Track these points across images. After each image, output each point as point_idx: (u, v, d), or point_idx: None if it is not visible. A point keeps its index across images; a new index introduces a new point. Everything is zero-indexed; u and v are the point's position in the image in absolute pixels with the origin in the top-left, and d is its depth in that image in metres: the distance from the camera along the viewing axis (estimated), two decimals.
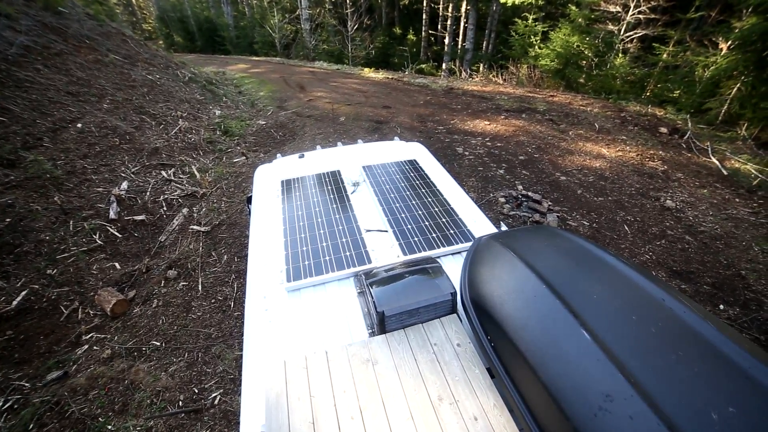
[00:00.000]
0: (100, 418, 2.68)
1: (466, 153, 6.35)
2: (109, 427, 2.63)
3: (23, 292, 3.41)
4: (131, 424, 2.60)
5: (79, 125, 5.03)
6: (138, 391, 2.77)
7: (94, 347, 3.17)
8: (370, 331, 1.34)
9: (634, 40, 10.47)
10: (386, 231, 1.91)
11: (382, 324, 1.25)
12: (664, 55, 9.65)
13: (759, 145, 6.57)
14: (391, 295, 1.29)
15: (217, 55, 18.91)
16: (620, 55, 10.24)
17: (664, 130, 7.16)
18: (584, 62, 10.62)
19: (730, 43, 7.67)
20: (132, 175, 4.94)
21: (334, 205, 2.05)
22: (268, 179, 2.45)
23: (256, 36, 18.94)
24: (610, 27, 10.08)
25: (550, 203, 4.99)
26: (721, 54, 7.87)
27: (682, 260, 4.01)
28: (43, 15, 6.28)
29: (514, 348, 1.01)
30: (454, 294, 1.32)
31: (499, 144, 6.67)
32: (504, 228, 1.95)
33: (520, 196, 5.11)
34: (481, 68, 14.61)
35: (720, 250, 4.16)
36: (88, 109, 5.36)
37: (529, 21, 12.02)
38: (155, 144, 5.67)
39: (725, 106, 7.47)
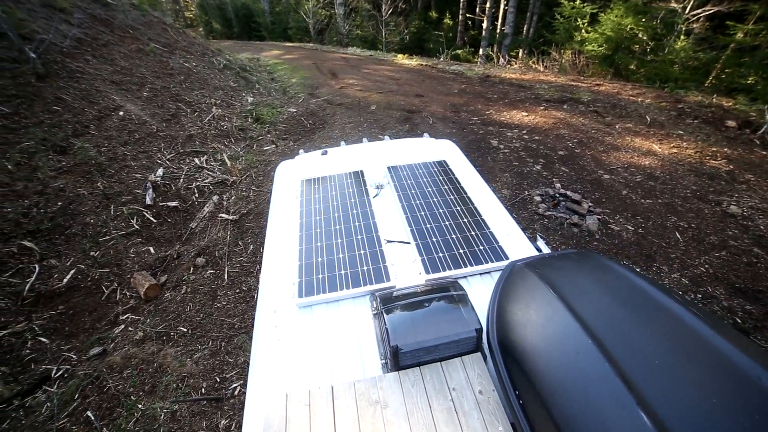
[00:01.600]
0: (132, 397, 2.83)
1: (501, 146, 6.00)
2: (140, 406, 2.77)
3: (72, 271, 3.66)
4: (158, 405, 2.72)
5: (121, 113, 5.26)
6: (165, 375, 2.90)
7: (129, 328, 3.34)
8: (383, 361, 1.23)
9: (701, 19, 9.26)
10: (408, 243, 1.77)
11: (395, 359, 1.13)
12: (740, 35, 8.42)
13: None
14: (407, 326, 1.16)
15: (252, 42, 19.21)
16: (682, 37, 9.13)
17: (731, 123, 6.35)
18: (637, 47, 9.60)
19: None
20: (167, 162, 5.12)
21: (354, 211, 1.94)
22: (288, 178, 2.38)
23: (290, 22, 18.97)
24: (673, 4, 8.98)
25: (590, 204, 4.60)
26: None
27: (748, 276, 3.55)
28: (93, 7, 6.57)
29: (547, 410, 0.84)
30: (479, 330, 1.17)
31: (537, 137, 6.23)
32: (541, 243, 1.74)
33: (557, 195, 4.76)
34: (520, 54, 13.75)
35: None
36: (129, 98, 5.59)
37: (577, 2, 11.03)
38: (190, 131, 5.84)
39: None
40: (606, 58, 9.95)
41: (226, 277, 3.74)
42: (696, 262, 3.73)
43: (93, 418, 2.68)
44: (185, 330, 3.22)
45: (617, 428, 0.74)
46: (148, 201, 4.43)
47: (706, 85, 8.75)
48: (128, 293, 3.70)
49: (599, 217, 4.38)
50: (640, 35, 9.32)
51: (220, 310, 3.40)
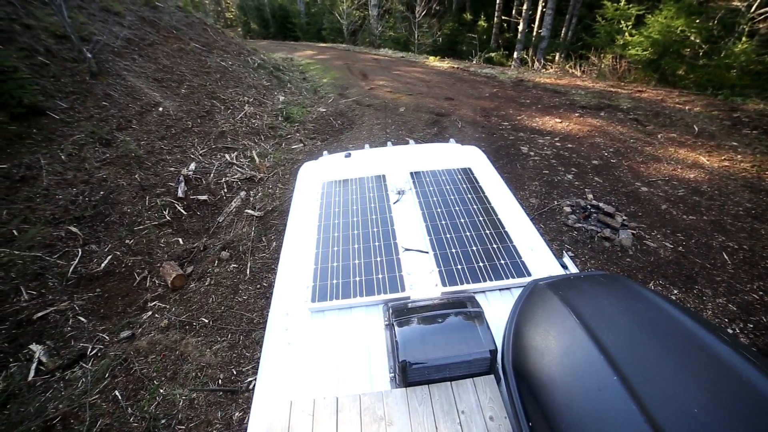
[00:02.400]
0: (154, 381, 2.96)
1: (532, 153, 5.79)
2: (161, 390, 2.88)
3: (108, 257, 3.89)
4: (178, 392, 2.82)
5: (160, 109, 5.55)
6: (186, 363, 3.00)
7: (156, 315, 3.50)
8: (392, 375, 1.20)
9: None
10: (427, 252, 1.72)
11: (404, 374, 1.09)
12: None
13: None
14: (418, 341, 1.11)
15: (287, 42, 19.74)
16: (744, 38, 8.37)
17: None
18: (688, 50, 8.94)
19: None
20: (200, 157, 5.34)
21: (374, 216, 1.91)
22: (310, 179, 2.39)
23: (325, 22, 19.32)
24: (736, 3, 8.24)
25: (624, 217, 4.33)
26: None
27: None
28: (143, 10, 6.99)
29: None
30: (494, 352, 1.10)
31: (569, 145, 5.96)
32: (568, 261, 1.63)
33: (589, 207, 4.52)
34: (556, 58, 13.24)
35: None
36: (168, 94, 5.88)
37: (621, 3, 10.44)
38: (222, 128, 6.06)
39: None
40: (651, 63, 9.34)
41: (248, 272, 3.84)
42: (747, 288, 3.40)
43: (120, 397, 2.82)
44: (207, 321, 3.33)
45: None
46: (180, 194, 4.64)
47: None
48: (157, 281, 3.88)
49: (634, 231, 4.11)
50: (692, 38, 8.68)
51: (240, 304, 3.49)
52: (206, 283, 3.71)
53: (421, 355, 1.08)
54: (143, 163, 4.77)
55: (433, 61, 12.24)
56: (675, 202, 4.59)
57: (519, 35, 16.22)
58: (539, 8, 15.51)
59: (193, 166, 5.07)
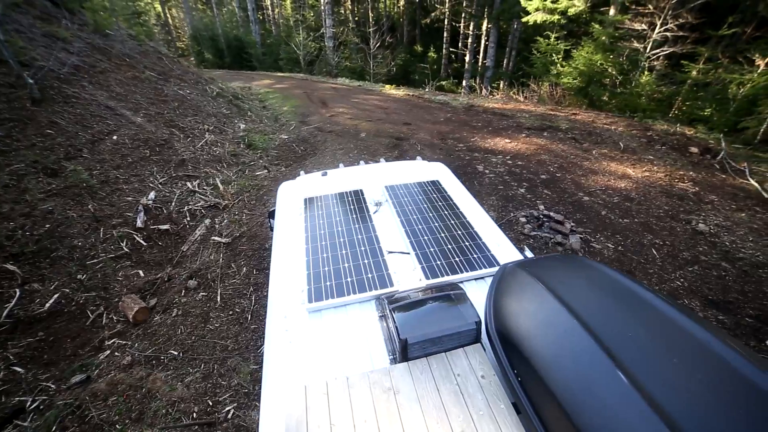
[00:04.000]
0: (117, 425, 2.71)
1: (487, 171, 6.29)
2: None
3: (55, 295, 3.56)
4: None
5: (114, 137, 5.32)
6: (154, 400, 2.80)
7: (116, 353, 3.24)
8: (391, 357, 1.32)
9: (661, 58, 10.23)
10: (408, 253, 1.88)
11: (404, 351, 1.22)
12: (694, 73, 9.36)
13: None
14: (414, 322, 1.26)
15: (243, 71, 19.76)
16: (646, 72, 10.01)
17: (694, 150, 6.88)
18: (608, 80, 10.43)
19: None
20: (159, 186, 5.15)
21: (357, 225, 2.06)
22: (291, 196, 2.49)
23: (281, 53, 19.71)
24: (636, 45, 9.91)
25: (572, 224, 4.84)
26: (759, 71, 7.56)
27: (719, 289, 3.77)
28: (93, 37, 6.77)
29: (543, 386, 0.96)
30: (478, 323, 1.28)
31: (520, 162, 6.58)
32: (528, 253, 1.89)
33: (541, 216, 4.99)
34: (501, 85, 14.62)
35: (763, 279, 3.89)
36: (123, 123, 5.67)
37: (551, 39, 11.99)
38: (182, 156, 5.91)
39: (765, 125, 7.13)
40: (581, 90, 10.72)
41: (219, 300, 3.71)
42: (672, 277, 3.94)
43: None
44: (176, 353, 3.15)
45: (600, 388, 0.88)
46: (139, 224, 4.42)
47: (670, 115, 9.50)
48: (115, 317, 3.61)
49: (581, 236, 4.60)
50: (609, 70, 10.16)
51: (212, 333, 3.35)
52: (173, 314, 3.52)
53: (419, 332, 1.22)
54: (97, 193, 4.51)
55: (389, 89, 12.94)
56: (612, 208, 5.22)
57: (466, 65, 17.75)
58: (483, 42, 17.19)
59: (152, 195, 4.87)
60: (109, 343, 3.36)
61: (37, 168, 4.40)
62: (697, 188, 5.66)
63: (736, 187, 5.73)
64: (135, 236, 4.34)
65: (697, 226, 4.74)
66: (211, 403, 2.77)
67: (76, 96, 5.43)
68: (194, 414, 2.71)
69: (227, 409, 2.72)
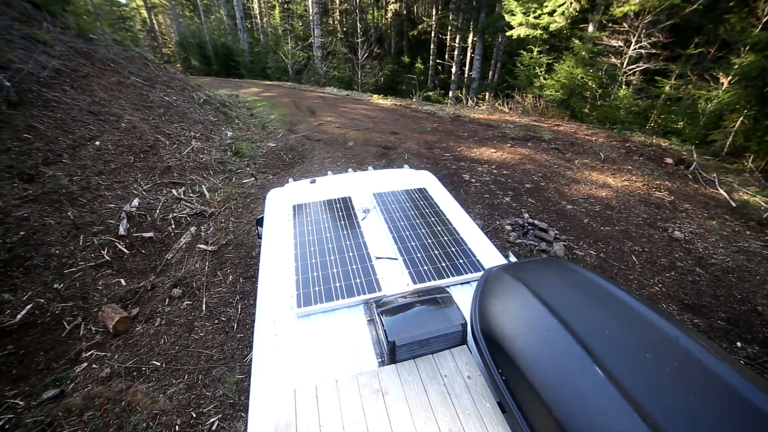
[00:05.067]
0: None
1: (473, 180, 6.42)
2: None
3: (28, 306, 3.42)
4: None
5: (97, 143, 5.21)
6: (134, 414, 2.71)
7: (93, 365, 3.12)
8: (380, 360, 1.33)
9: (637, 73, 10.76)
10: (396, 259, 1.91)
11: (392, 354, 1.24)
12: (667, 88, 9.87)
13: (767, 178, 6.56)
14: (401, 324, 1.28)
15: (231, 79, 19.68)
16: (623, 86, 10.48)
17: (669, 160, 7.21)
18: (588, 93, 10.87)
19: (730, 78, 7.85)
20: (143, 193, 5.04)
21: (345, 232, 2.07)
22: (279, 203, 2.49)
23: (269, 61, 19.75)
24: (613, 60, 10.39)
25: (556, 232, 4.97)
26: (723, 88, 8.03)
27: (694, 293, 3.93)
28: (76, 41, 6.65)
29: (526, 383, 1.00)
30: (464, 325, 1.32)
31: (505, 171, 6.74)
32: (512, 258, 1.95)
33: (526, 224, 5.11)
34: (487, 97, 15.01)
35: (733, 283, 4.07)
36: (107, 128, 5.56)
37: (534, 53, 12.44)
38: (168, 163, 5.82)
39: (730, 139, 7.54)
40: (563, 102, 11.12)
41: (204, 308, 3.63)
42: (651, 282, 4.08)
43: None
44: (159, 364, 3.06)
45: (578, 383, 0.93)
46: (122, 231, 4.31)
47: (647, 127, 9.94)
48: (94, 328, 3.49)
49: (565, 243, 4.73)
50: (589, 83, 10.59)
51: (197, 342, 3.28)
52: (156, 324, 3.42)
53: (406, 334, 1.24)
54: (77, 199, 4.38)
55: (377, 99, 13.11)
56: (594, 216, 5.39)
57: (453, 77, 18.16)
58: (468, 54, 17.65)
59: (136, 202, 4.76)
60: (87, 354, 3.24)
61: (12, 173, 4.25)
62: (672, 197, 5.91)
63: (708, 196, 6.02)
64: (117, 244, 4.23)
65: (674, 234, 4.94)
66: (194, 415, 2.70)
67: (56, 100, 5.31)
68: (177, 426, 2.63)
69: (212, 420, 2.65)
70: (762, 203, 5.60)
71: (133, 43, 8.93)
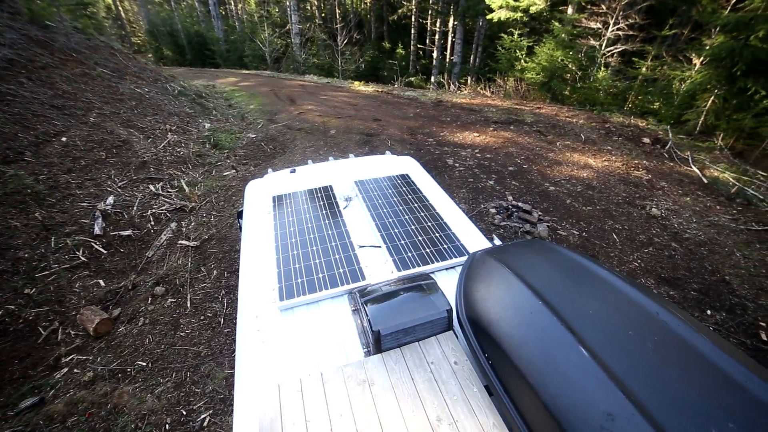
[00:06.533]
0: None
1: (457, 164, 6.42)
2: None
3: None
4: None
5: (63, 139, 4.93)
6: (121, 416, 2.65)
7: (75, 370, 3.03)
8: (366, 350, 1.32)
9: (615, 55, 10.88)
10: (379, 247, 1.89)
11: (378, 343, 1.23)
12: (643, 69, 10.05)
13: (735, 155, 6.83)
14: (386, 313, 1.27)
15: (206, 69, 18.90)
16: (602, 68, 10.61)
17: (646, 140, 7.39)
18: (568, 75, 10.95)
19: (702, 59, 8.04)
20: (118, 190, 4.84)
21: (327, 221, 2.03)
22: (259, 195, 2.42)
23: (246, 50, 19.04)
24: (592, 42, 10.47)
25: (540, 213, 5.05)
26: (695, 69, 8.22)
27: (670, 267, 4.09)
28: (29, 29, 6.20)
29: (512, 366, 1.00)
30: (449, 311, 1.31)
31: (488, 155, 6.76)
32: (497, 241, 1.95)
33: (510, 207, 5.17)
34: (469, 81, 14.94)
35: (705, 256, 4.25)
36: (73, 123, 5.26)
37: (515, 36, 12.40)
38: (143, 158, 5.58)
39: (702, 118, 7.77)
40: (544, 85, 11.18)
41: (189, 305, 3.55)
42: (630, 258, 4.22)
43: None
44: (144, 364, 2.99)
45: (563, 363, 0.94)
46: (98, 231, 4.13)
47: (625, 108, 10.13)
48: (73, 332, 3.37)
49: (548, 224, 4.81)
50: (569, 65, 10.66)
51: (183, 339, 3.21)
52: (139, 324, 3.33)
53: (391, 323, 1.23)
54: (45, 199, 4.16)
55: (358, 86, 12.86)
56: (575, 196, 5.49)
57: (434, 62, 17.97)
58: (449, 38, 17.45)
59: (111, 199, 4.57)
60: (67, 359, 3.14)
61: None
62: (650, 176, 6.08)
63: (682, 173, 6.22)
64: (93, 244, 4.06)
65: (651, 211, 5.10)
66: (185, 413, 2.66)
67: (12, 93, 4.97)
68: (167, 425, 2.59)
69: (203, 416, 2.62)
70: (730, 179, 5.83)
71: (98, 32, 8.40)
